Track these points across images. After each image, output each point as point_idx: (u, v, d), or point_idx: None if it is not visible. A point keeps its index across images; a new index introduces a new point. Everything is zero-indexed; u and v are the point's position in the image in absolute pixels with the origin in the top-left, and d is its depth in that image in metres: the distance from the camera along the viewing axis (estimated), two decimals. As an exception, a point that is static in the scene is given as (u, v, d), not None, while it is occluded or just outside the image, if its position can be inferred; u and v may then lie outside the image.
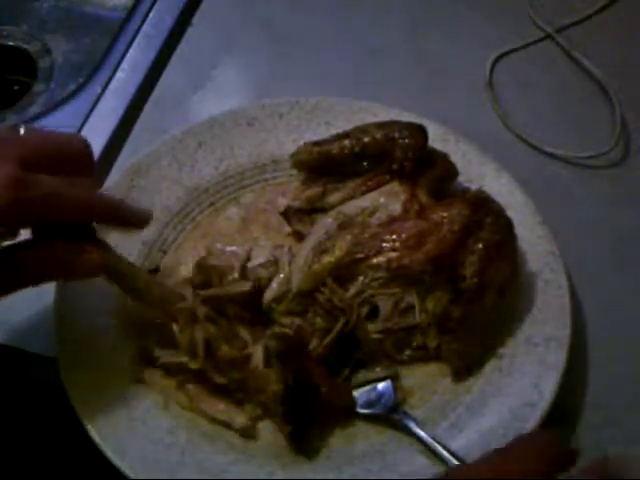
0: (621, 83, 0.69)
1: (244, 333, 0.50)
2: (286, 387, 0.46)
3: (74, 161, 0.47)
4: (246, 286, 0.51)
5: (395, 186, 0.55)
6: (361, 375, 0.51)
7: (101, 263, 0.46)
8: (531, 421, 0.48)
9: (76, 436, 0.47)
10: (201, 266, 0.53)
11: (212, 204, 0.59)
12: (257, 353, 0.48)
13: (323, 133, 0.59)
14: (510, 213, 0.53)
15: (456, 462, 0.47)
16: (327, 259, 0.52)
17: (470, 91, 0.70)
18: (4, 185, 0.41)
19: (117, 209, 0.50)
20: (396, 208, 0.53)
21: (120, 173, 0.59)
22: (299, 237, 0.56)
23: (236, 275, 0.52)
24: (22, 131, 0.46)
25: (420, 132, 0.56)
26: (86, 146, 0.48)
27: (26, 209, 0.42)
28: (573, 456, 0.40)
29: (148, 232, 0.56)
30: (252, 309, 0.51)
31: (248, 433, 0.48)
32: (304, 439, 0.48)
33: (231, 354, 0.48)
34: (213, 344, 0.48)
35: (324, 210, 0.56)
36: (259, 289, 0.52)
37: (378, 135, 0.56)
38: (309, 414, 0.48)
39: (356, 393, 0.50)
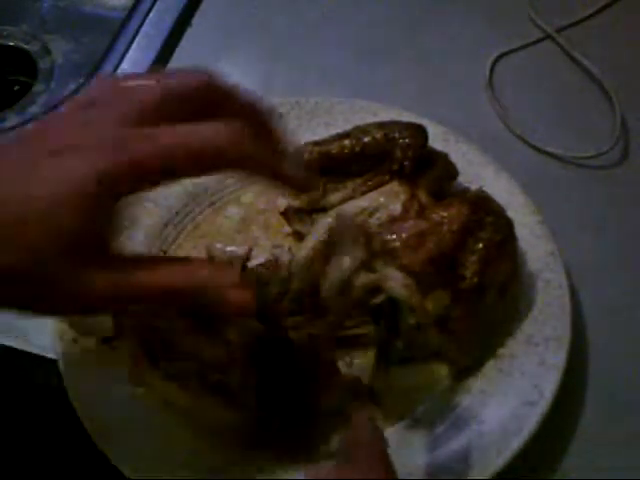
0: (621, 83, 0.69)
1: (230, 335, 0.49)
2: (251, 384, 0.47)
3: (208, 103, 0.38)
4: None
5: (395, 186, 0.55)
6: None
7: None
8: (531, 421, 0.48)
9: (76, 436, 0.47)
10: None
11: (212, 204, 0.59)
12: (241, 354, 0.48)
13: (323, 133, 0.59)
14: (510, 213, 0.53)
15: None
16: (327, 259, 0.52)
17: (470, 91, 0.70)
18: (102, 148, 0.34)
19: (274, 162, 0.39)
20: (396, 208, 0.53)
21: (120, 173, 0.59)
22: (299, 237, 0.56)
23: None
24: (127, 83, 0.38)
25: (420, 132, 0.56)
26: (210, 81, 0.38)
27: (137, 171, 0.35)
28: None
29: (148, 231, 0.56)
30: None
31: (248, 433, 0.48)
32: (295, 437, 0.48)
33: (215, 360, 0.48)
34: (197, 353, 0.49)
35: (324, 210, 0.56)
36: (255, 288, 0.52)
37: (378, 135, 0.56)
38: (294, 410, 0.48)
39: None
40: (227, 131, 0.37)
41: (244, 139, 0.37)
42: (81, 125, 0.36)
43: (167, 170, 0.36)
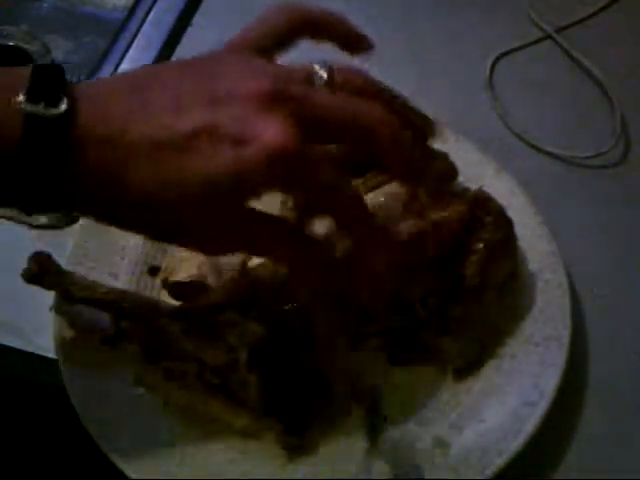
0: (621, 83, 0.69)
1: (232, 338, 0.50)
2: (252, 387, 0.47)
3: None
4: (208, 299, 0.51)
5: (395, 186, 0.55)
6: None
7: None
8: (531, 421, 0.48)
9: (76, 436, 0.47)
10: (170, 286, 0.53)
11: (212, 204, 0.59)
12: (243, 356, 0.48)
13: (323, 133, 0.59)
14: (510, 213, 0.53)
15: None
16: (327, 259, 0.52)
17: (470, 91, 0.70)
18: (259, 158, 0.35)
19: None
20: (396, 208, 0.53)
21: (120, 173, 0.59)
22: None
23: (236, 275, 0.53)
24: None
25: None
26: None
27: (287, 185, 0.38)
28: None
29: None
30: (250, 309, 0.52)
31: (248, 433, 0.48)
32: (299, 439, 0.48)
33: (216, 362, 0.48)
34: (198, 355, 0.49)
35: (324, 210, 0.56)
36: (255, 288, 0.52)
37: (378, 135, 0.56)
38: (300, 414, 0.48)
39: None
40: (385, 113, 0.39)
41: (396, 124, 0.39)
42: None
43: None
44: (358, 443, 0.49)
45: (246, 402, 0.49)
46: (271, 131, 0.35)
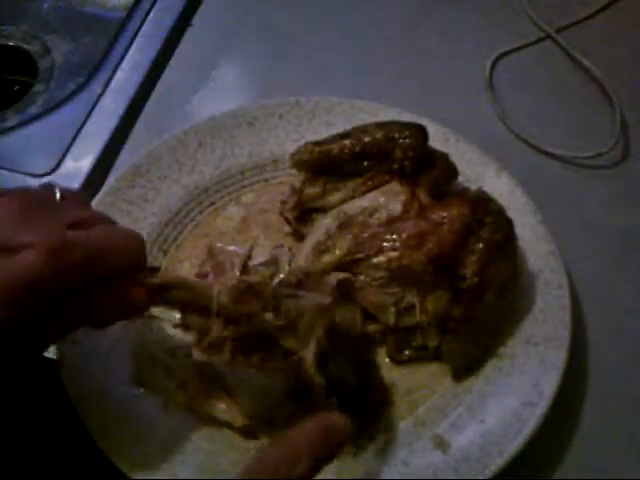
0: (621, 83, 0.69)
1: (290, 342, 0.46)
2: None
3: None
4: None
5: (395, 186, 0.55)
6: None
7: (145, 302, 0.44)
8: (531, 421, 0.48)
9: (76, 436, 0.47)
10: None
11: (212, 204, 0.59)
12: (309, 358, 0.46)
13: (323, 133, 0.59)
14: (510, 213, 0.53)
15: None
16: (327, 259, 0.52)
17: (470, 91, 0.70)
18: (41, 257, 0.38)
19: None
20: (396, 208, 0.53)
21: (120, 173, 0.59)
22: (299, 237, 0.56)
23: (237, 273, 0.52)
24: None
25: (420, 132, 0.56)
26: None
27: (66, 275, 0.39)
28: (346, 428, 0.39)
29: (148, 231, 0.56)
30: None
31: (248, 433, 0.49)
32: None
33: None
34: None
35: (324, 210, 0.56)
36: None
37: (378, 135, 0.56)
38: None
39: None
40: None
41: None
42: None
43: None
44: (362, 443, 0.49)
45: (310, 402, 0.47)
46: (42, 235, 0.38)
